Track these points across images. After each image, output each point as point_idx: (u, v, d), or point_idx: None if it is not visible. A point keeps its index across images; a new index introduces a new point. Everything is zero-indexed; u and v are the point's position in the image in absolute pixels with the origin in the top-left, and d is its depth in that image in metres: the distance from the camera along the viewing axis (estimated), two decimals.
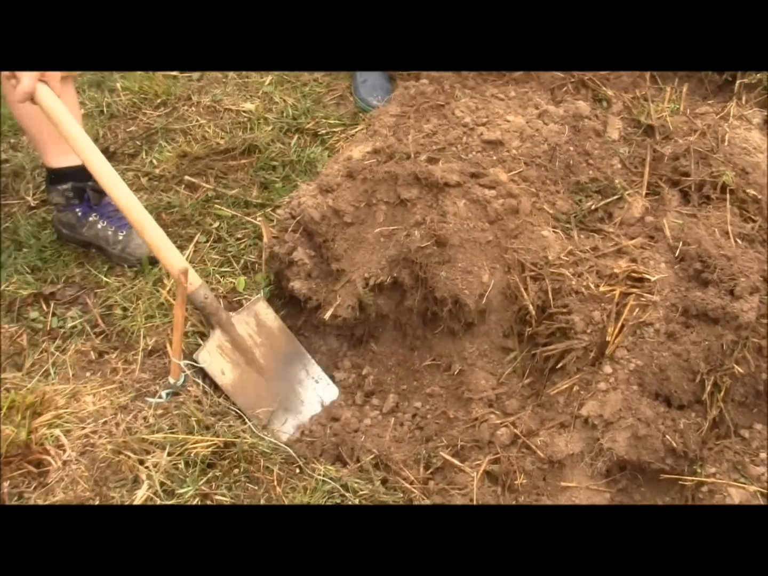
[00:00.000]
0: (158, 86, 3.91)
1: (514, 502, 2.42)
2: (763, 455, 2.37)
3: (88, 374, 2.70)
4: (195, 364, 2.59)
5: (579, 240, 2.79)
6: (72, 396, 2.57)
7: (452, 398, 2.74)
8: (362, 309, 2.78)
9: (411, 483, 2.45)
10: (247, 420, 2.52)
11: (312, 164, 3.45)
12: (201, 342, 2.67)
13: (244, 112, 3.74)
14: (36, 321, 2.90)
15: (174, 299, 2.64)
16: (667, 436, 2.39)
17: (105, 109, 3.80)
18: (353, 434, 2.62)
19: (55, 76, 2.55)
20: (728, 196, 2.81)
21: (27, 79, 2.47)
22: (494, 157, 2.91)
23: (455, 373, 2.76)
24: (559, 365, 2.60)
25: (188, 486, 2.28)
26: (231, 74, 4.01)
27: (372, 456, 2.50)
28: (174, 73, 4.02)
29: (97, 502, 2.26)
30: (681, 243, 2.67)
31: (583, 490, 2.42)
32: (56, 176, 3.07)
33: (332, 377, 2.84)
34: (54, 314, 2.92)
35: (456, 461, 2.53)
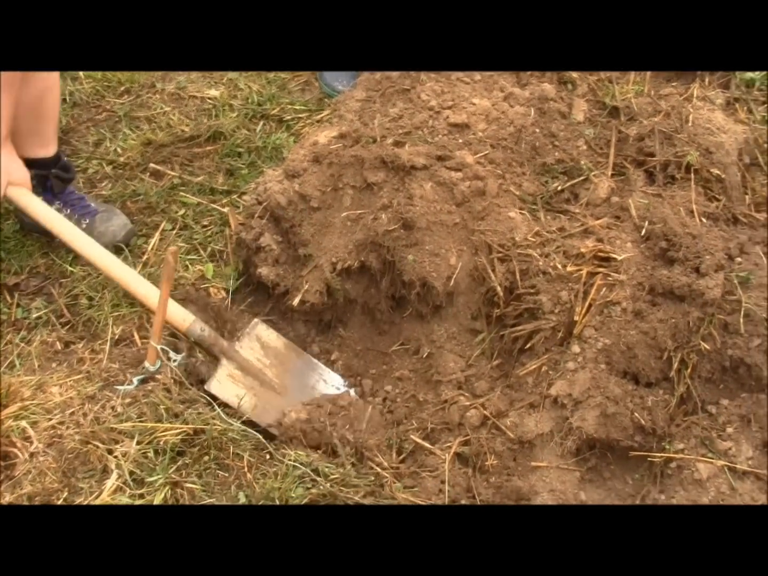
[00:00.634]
0: (121, 74, 3.86)
1: (485, 483, 2.43)
2: (729, 430, 2.39)
3: (54, 365, 2.67)
4: (172, 352, 2.57)
5: (546, 221, 2.80)
6: (38, 387, 2.54)
7: (421, 381, 2.74)
8: (330, 294, 2.77)
9: (383, 468, 2.45)
10: (216, 407, 2.50)
11: (278, 150, 3.43)
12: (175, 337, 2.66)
13: (209, 98, 3.71)
14: (0, 312, 2.86)
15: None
16: (636, 414, 2.41)
17: (68, 98, 3.74)
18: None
19: (24, 182, 2.77)
20: (693, 175, 2.83)
21: None
22: (460, 140, 2.91)
23: (424, 356, 2.77)
24: (528, 346, 2.61)
25: (158, 474, 2.26)
26: None
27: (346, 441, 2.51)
28: None
29: (65, 494, 2.24)
30: (647, 222, 2.68)
31: (553, 469, 2.43)
32: None
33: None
34: (18, 305, 2.89)
35: (427, 444, 2.53)
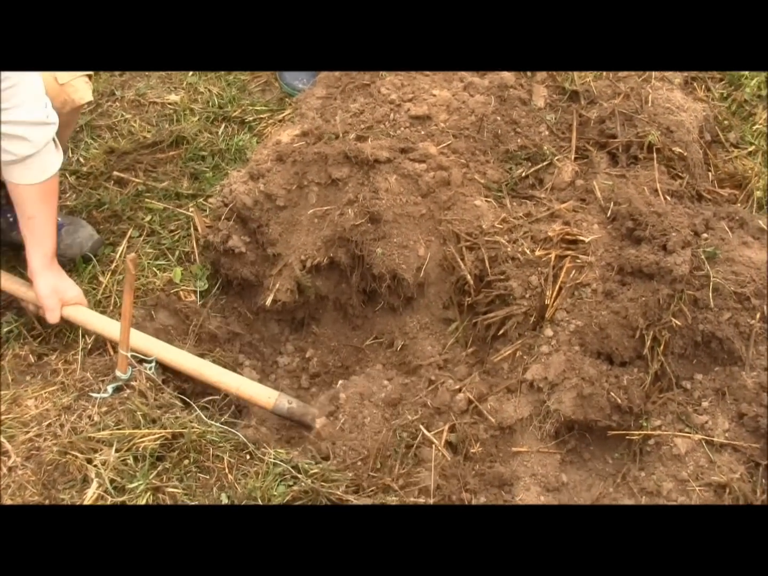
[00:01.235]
0: None
1: (472, 471, 2.43)
2: (705, 404, 2.41)
3: (28, 378, 2.65)
4: (144, 357, 2.56)
5: (512, 207, 2.81)
6: (13, 401, 2.53)
7: (401, 373, 2.74)
8: (301, 292, 2.78)
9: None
10: (195, 408, 2.49)
11: (241, 152, 3.42)
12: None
13: (170, 104, 3.69)
14: None
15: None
16: (612, 393, 2.43)
17: None
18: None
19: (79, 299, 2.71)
20: (655, 155, 2.86)
21: (51, 314, 2.65)
22: (423, 132, 2.92)
23: (398, 349, 2.77)
24: (501, 332, 2.62)
25: (139, 481, 2.25)
26: None
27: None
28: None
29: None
30: (612, 203, 2.70)
31: (534, 453, 2.44)
32: None
33: (276, 363, 2.82)
34: None
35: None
